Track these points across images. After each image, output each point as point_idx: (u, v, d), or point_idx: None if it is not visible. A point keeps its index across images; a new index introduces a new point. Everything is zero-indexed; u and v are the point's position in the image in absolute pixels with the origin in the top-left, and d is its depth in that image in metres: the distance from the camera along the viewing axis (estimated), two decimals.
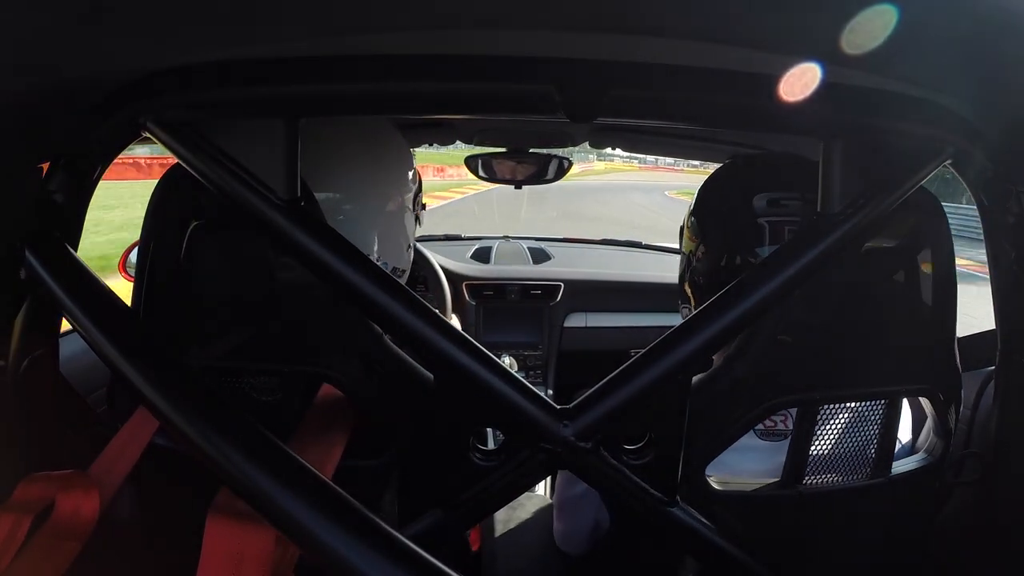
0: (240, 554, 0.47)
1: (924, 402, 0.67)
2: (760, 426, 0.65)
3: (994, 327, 0.69)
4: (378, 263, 0.65)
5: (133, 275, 0.68)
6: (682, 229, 0.79)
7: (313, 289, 0.58)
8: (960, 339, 0.65)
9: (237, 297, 0.61)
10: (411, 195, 0.81)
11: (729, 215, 0.71)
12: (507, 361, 1.74)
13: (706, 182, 0.77)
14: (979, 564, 0.73)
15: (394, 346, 0.61)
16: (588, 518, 0.77)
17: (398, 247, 0.78)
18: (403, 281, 0.80)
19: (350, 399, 0.61)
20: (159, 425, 0.53)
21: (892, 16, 0.40)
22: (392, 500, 0.62)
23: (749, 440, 0.64)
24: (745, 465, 0.65)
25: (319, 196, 0.61)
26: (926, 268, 0.62)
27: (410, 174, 0.80)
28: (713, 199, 0.75)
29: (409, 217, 0.80)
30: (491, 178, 1.61)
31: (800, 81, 0.51)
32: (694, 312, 0.56)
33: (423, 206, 0.87)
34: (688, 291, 0.76)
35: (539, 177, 1.60)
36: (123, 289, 0.63)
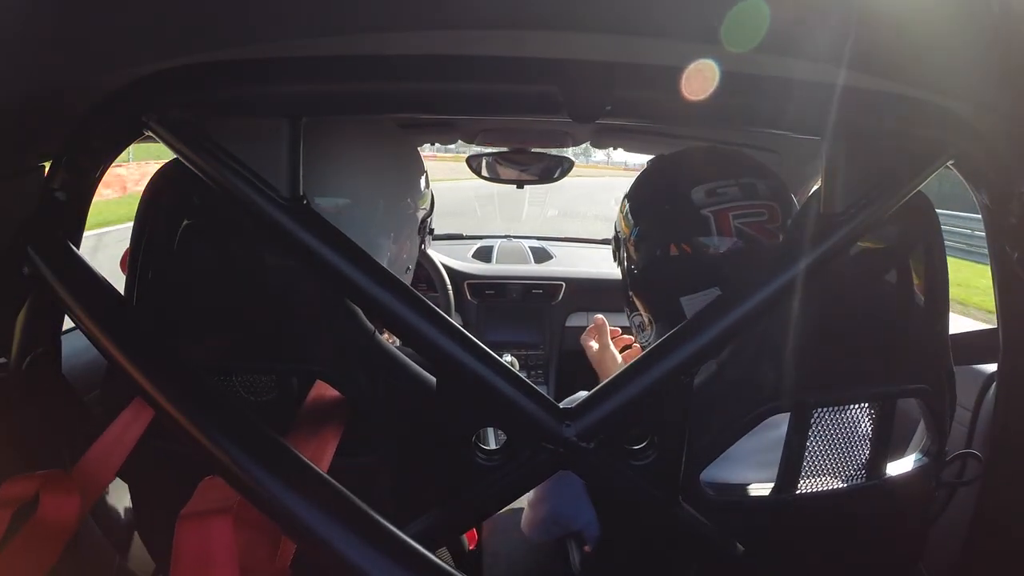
0: (206, 554, 0.47)
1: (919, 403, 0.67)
2: None
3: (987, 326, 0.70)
4: None
5: None
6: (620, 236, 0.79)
7: (306, 287, 0.58)
8: (956, 335, 0.65)
9: (230, 296, 0.61)
10: (423, 206, 0.79)
11: (669, 210, 0.71)
12: (508, 359, 1.74)
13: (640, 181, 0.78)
14: (979, 564, 0.73)
15: (388, 344, 0.61)
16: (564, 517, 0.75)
17: (398, 266, 0.77)
18: None
19: (343, 396, 0.61)
20: (149, 423, 0.53)
21: (895, 20, 0.40)
22: (388, 498, 0.62)
23: None
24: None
25: (330, 201, 0.60)
26: (918, 268, 0.62)
27: (422, 182, 0.79)
28: (646, 195, 0.76)
29: (413, 236, 0.78)
30: (494, 178, 1.61)
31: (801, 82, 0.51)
32: (692, 317, 0.56)
33: (431, 230, 0.84)
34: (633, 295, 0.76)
35: (542, 177, 1.60)
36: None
